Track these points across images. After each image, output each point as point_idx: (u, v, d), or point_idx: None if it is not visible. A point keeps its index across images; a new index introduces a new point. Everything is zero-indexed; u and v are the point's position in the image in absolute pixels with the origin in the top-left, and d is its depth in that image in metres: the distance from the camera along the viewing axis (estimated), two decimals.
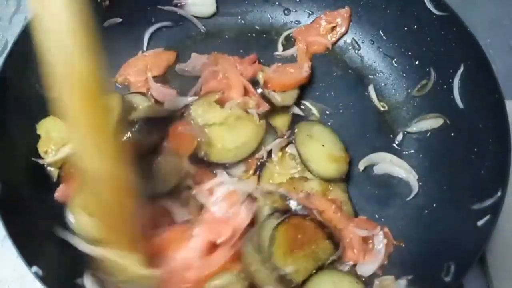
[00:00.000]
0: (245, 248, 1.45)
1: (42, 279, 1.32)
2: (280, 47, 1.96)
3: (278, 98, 1.75)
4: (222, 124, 1.66)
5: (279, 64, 1.86)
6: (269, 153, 1.69)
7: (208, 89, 1.76)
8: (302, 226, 1.46)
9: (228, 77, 1.75)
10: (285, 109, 1.79)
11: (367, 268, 1.52)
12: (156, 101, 1.78)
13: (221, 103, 1.70)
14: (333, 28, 1.95)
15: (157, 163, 1.56)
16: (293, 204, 1.55)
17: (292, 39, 1.96)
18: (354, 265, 1.53)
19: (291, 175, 1.66)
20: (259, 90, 1.76)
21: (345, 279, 1.47)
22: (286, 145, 1.72)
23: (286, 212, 1.52)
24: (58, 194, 1.60)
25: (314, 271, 1.44)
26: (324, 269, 1.46)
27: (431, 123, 1.74)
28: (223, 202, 1.51)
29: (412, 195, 1.68)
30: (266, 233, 1.44)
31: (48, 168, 1.62)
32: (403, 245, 1.58)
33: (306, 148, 1.66)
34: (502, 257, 1.66)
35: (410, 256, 1.55)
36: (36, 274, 1.32)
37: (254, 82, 1.77)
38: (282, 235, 1.42)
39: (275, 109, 1.76)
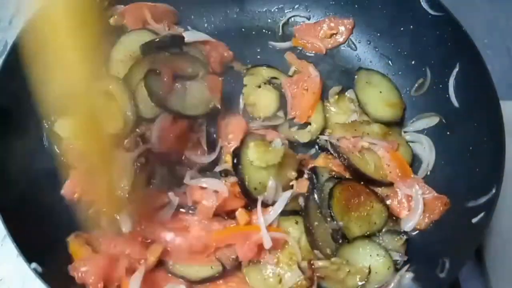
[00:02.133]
0: (308, 206, 1.55)
1: (41, 275, 1.33)
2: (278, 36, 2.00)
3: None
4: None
5: (293, 87, 1.82)
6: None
7: None
8: (356, 189, 1.58)
9: None
10: None
11: (408, 223, 1.59)
12: None
13: None
14: (332, 35, 1.96)
15: (190, 86, 1.66)
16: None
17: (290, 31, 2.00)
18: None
19: (351, 119, 1.77)
20: None
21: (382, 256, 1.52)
22: (344, 90, 1.83)
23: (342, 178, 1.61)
24: (65, 191, 1.61)
25: (367, 233, 1.54)
26: (368, 239, 1.55)
27: (427, 122, 1.76)
28: None
29: None
30: (326, 193, 1.55)
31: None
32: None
33: (364, 93, 1.80)
34: (500, 256, 1.67)
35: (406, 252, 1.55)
36: (35, 270, 1.33)
37: None
38: (338, 194, 1.54)
39: None
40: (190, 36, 1.82)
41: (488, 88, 1.54)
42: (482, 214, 1.41)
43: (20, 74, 1.59)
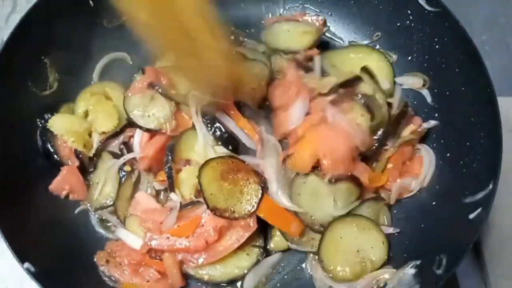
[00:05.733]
0: None
1: (34, 275, 1.33)
2: None
3: None
4: None
5: None
6: None
7: None
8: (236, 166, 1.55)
9: None
10: None
11: None
12: None
13: None
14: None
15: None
16: None
17: None
18: None
19: None
20: None
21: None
22: None
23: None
24: (53, 186, 1.61)
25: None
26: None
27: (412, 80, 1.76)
28: None
29: None
30: None
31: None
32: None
33: None
34: (498, 252, 1.67)
35: (403, 249, 1.55)
36: (28, 270, 1.33)
37: None
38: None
39: None
40: None
41: (485, 84, 1.53)
42: (479, 210, 1.41)
43: (15, 71, 1.61)
